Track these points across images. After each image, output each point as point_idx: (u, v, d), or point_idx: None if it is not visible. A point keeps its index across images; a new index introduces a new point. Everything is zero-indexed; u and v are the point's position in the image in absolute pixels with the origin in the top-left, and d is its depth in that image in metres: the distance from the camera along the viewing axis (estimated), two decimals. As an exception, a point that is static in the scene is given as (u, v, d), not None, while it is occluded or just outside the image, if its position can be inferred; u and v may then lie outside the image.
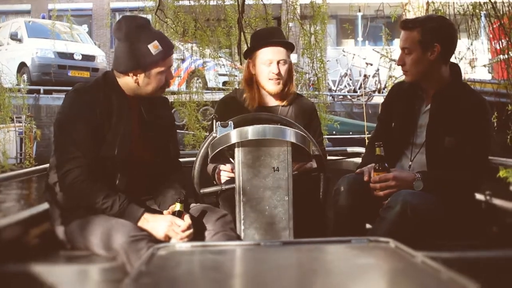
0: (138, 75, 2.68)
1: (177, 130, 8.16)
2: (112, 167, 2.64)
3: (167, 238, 2.52)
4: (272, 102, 3.45)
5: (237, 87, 3.63)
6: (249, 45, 3.69)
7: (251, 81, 3.44)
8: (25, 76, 14.77)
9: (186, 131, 8.92)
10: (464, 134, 2.80)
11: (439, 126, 2.87)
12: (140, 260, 1.78)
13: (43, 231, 2.71)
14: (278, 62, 3.32)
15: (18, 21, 17.21)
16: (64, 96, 2.78)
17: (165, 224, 2.54)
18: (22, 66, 15.32)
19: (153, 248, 1.85)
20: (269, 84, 3.36)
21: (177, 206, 2.60)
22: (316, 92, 8.49)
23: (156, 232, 2.53)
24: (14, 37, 16.16)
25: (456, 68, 3.02)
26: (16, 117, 11.44)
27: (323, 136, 7.31)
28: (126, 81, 2.71)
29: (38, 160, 10.58)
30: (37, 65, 15.23)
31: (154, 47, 2.65)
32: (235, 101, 3.47)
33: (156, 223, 2.56)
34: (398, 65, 2.96)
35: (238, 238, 2.61)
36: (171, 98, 8.31)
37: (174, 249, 1.93)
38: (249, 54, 3.46)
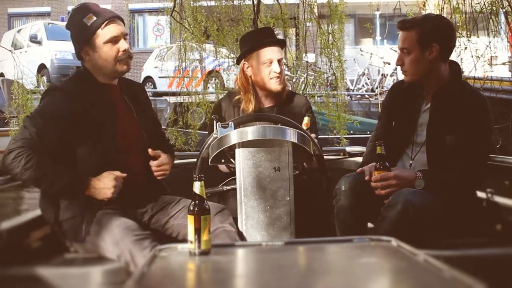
0: (87, 53, 2.70)
1: (199, 131, 8.01)
2: (116, 153, 2.67)
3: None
4: (268, 103, 3.48)
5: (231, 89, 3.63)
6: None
7: (248, 83, 3.45)
8: (44, 78, 14.90)
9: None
10: (465, 132, 2.79)
11: (439, 125, 2.86)
12: (142, 262, 1.80)
13: (46, 234, 2.72)
14: (278, 61, 3.35)
15: (37, 23, 17.38)
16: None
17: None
18: (41, 68, 15.48)
19: (155, 249, 1.87)
20: (271, 83, 3.39)
21: (196, 186, 1.98)
22: (335, 92, 8.44)
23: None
24: (34, 39, 16.34)
25: (455, 66, 3.01)
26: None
27: (343, 136, 7.30)
28: (91, 67, 2.73)
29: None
30: (56, 67, 15.37)
31: (88, 19, 2.66)
32: (230, 103, 3.49)
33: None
34: (397, 65, 2.95)
35: (238, 233, 2.61)
36: (190, 99, 8.32)
37: (176, 250, 1.94)
38: (244, 56, 3.46)
